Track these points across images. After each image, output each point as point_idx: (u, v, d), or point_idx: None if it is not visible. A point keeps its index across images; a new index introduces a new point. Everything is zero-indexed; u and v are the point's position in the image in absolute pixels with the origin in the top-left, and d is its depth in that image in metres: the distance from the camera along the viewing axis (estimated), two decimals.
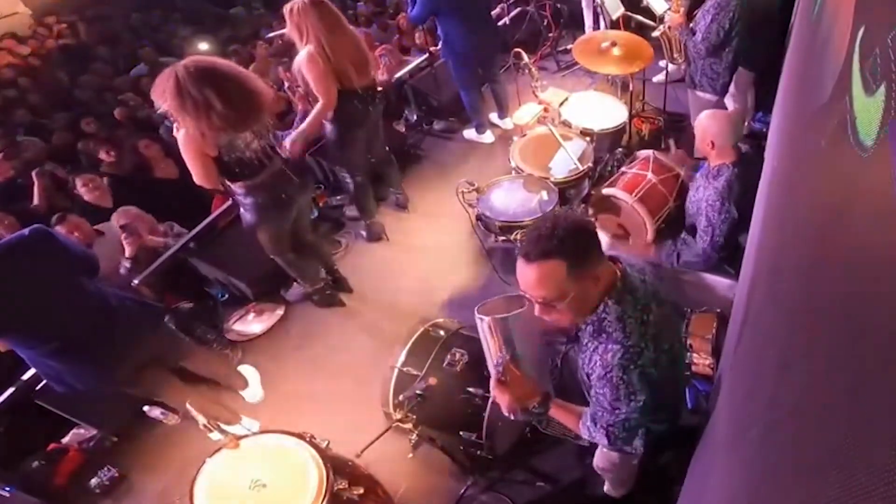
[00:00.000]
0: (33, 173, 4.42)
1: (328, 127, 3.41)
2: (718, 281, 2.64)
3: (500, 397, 1.71)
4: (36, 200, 4.26)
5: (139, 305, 2.48)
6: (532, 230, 1.47)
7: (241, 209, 2.85)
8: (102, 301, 2.31)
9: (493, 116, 4.78)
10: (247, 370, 3.13)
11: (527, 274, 1.45)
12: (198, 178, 2.58)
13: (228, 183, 2.69)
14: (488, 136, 4.66)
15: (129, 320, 2.38)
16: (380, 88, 3.44)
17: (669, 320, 1.61)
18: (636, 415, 1.51)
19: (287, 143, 3.12)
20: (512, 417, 1.75)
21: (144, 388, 2.61)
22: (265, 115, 2.59)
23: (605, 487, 2.28)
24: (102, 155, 4.70)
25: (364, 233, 3.96)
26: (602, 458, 2.06)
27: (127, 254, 3.35)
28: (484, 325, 1.73)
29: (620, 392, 1.48)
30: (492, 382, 1.71)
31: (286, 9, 3.04)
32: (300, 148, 3.24)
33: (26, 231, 2.14)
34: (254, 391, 3.06)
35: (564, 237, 1.40)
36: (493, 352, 1.74)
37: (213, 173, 2.58)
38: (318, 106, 3.14)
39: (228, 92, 2.36)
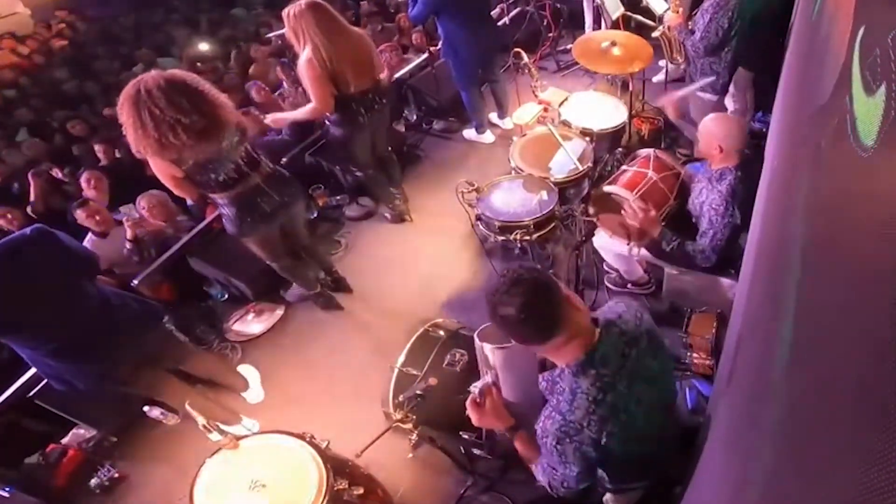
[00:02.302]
0: (29, 174, 4.43)
1: (332, 129, 3.43)
2: (718, 281, 2.64)
3: (471, 414, 1.74)
4: (32, 198, 4.27)
5: (140, 305, 2.48)
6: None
7: (224, 219, 2.84)
8: (103, 301, 2.31)
9: (493, 116, 4.78)
10: (247, 370, 3.13)
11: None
12: (177, 192, 2.64)
13: (208, 194, 2.69)
14: (488, 136, 4.66)
15: (129, 320, 2.38)
16: (382, 90, 3.41)
17: (644, 399, 1.52)
18: (571, 480, 1.52)
19: (269, 117, 3.31)
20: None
21: (144, 387, 2.61)
22: (225, 133, 2.47)
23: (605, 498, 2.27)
24: (98, 151, 4.72)
25: (388, 214, 4.03)
26: None
27: (127, 236, 3.41)
28: (480, 349, 1.76)
29: (555, 458, 1.49)
30: (469, 399, 1.74)
31: (284, 13, 3.04)
32: (283, 125, 3.36)
33: (27, 230, 2.14)
34: (254, 392, 3.05)
35: (515, 320, 1.39)
36: (481, 371, 1.78)
37: (188, 189, 2.61)
38: (310, 105, 3.18)
39: (160, 115, 2.26)
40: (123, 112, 2.29)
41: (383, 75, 3.38)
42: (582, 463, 1.46)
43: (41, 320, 2.13)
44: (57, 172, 4.92)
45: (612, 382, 1.43)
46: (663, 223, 2.82)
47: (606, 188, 2.86)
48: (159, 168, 2.48)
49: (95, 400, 2.80)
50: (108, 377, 2.37)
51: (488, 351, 1.78)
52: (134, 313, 2.41)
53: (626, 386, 1.45)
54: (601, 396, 1.41)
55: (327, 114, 3.27)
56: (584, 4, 5.28)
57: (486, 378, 1.74)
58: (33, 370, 2.74)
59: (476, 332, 1.87)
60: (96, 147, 4.80)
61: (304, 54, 3.02)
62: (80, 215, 3.51)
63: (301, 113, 3.34)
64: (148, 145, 2.32)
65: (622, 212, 2.60)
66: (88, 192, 4.03)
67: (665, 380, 1.67)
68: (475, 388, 1.74)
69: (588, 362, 1.43)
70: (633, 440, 1.49)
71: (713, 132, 2.42)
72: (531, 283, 1.40)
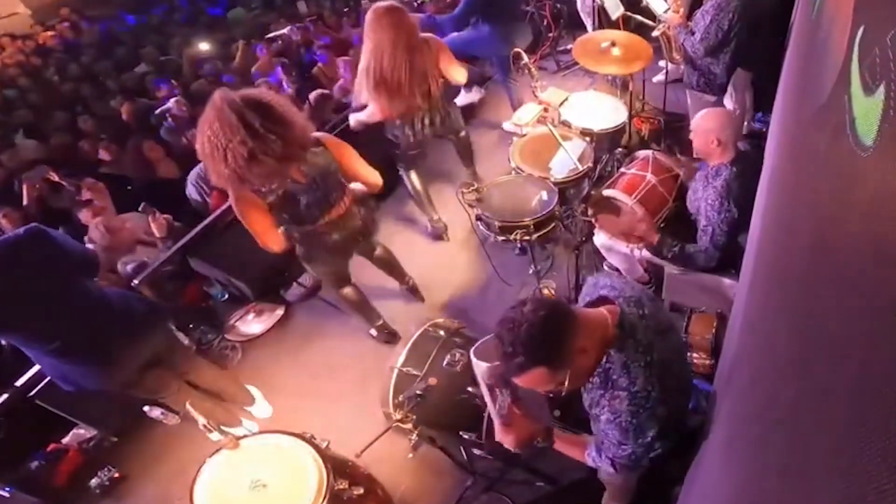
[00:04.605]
0: (23, 177, 4.42)
1: (390, 137, 3.35)
2: (718, 281, 2.64)
3: (504, 439, 1.72)
4: (25, 202, 4.26)
5: (144, 305, 2.48)
6: (498, 344, 1.40)
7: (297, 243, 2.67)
8: (103, 300, 2.30)
9: (507, 125, 4.73)
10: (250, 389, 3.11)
11: (518, 380, 1.45)
12: (262, 239, 2.36)
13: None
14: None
15: (132, 320, 2.37)
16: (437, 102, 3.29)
17: (673, 349, 1.56)
18: (642, 450, 1.53)
19: (351, 120, 3.28)
20: (517, 451, 1.77)
21: (148, 390, 2.60)
22: (296, 157, 2.25)
23: (604, 499, 2.26)
24: (102, 153, 4.70)
25: (429, 227, 3.96)
26: (603, 471, 2.07)
27: (159, 234, 3.34)
28: (481, 369, 1.74)
29: (629, 434, 1.50)
30: (496, 426, 1.73)
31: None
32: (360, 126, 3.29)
33: (21, 230, 2.14)
34: (262, 407, 3.04)
35: (529, 347, 1.35)
36: (490, 393, 1.75)
37: (275, 233, 2.38)
38: (369, 108, 3.15)
39: (259, 127, 2.08)
40: (197, 138, 2.15)
41: (438, 87, 3.24)
42: (657, 424, 1.49)
43: (38, 320, 2.12)
44: (53, 175, 4.91)
45: (649, 342, 1.47)
46: (662, 225, 2.83)
47: (605, 192, 2.87)
48: (241, 206, 2.27)
49: (95, 400, 2.81)
50: (112, 377, 2.37)
51: (490, 369, 1.75)
52: (136, 313, 2.41)
53: (659, 341, 1.49)
54: (649, 358, 1.45)
55: (386, 120, 3.19)
56: (580, 8, 5.25)
57: (503, 397, 1.70)
58: (33, 370, 2.74)
59: (471, 352, 1.83)
60: (100, 147, 4.78)
61: (365, 57, 2.96)
62: (85, 215, 3.50)
63: (364, 118, 3.23)
64: (213, 173, 2.16)
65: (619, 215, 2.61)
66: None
67: (677, 326, 1.75)
68: (496, 411, 1.71)
69: (623, 334, 1.47)
70: (678, 390, 1.53)
71: (709, 127, 2.42)
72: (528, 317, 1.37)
